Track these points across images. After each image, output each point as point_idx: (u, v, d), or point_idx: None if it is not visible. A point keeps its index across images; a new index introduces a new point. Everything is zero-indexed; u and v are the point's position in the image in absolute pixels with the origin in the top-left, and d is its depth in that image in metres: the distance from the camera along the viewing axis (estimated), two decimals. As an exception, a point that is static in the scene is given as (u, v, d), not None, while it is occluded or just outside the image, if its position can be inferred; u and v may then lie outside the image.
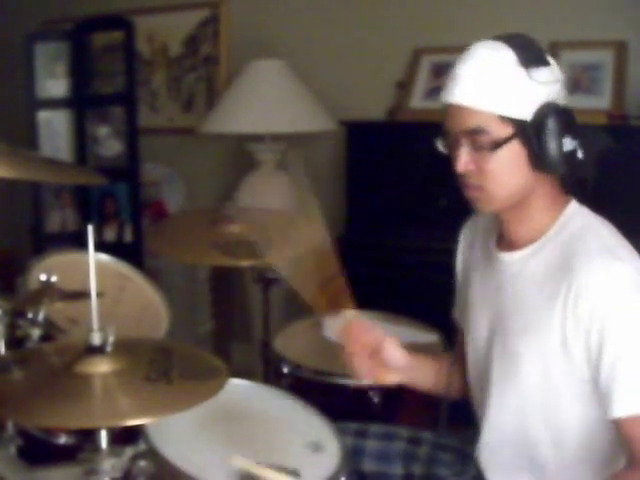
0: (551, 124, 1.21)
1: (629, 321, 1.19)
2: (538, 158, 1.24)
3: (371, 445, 1.57)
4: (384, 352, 1.41)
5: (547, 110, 1.22)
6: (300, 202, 1.41)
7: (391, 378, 1.45)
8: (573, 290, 1.22)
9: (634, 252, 1.26)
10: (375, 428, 1.60)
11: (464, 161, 1.27)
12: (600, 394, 1.23)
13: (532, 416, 1.33)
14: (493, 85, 1.22)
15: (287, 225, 1.55)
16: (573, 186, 1.35)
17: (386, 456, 1.55)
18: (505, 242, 1.38)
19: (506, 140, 1.23)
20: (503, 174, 1.26)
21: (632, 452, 1.22)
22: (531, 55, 1.23)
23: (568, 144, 1.23)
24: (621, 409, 1.20)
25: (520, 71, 1.22)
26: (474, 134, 1.25)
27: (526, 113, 1.22)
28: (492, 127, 1.23)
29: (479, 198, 1.31)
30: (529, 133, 1.22)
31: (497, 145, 1.23)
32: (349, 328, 1.43)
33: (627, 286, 1.20)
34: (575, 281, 1.21)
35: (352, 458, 1.52)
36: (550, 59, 1.27)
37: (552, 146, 1.22)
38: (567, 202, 1.33)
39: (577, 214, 1.32)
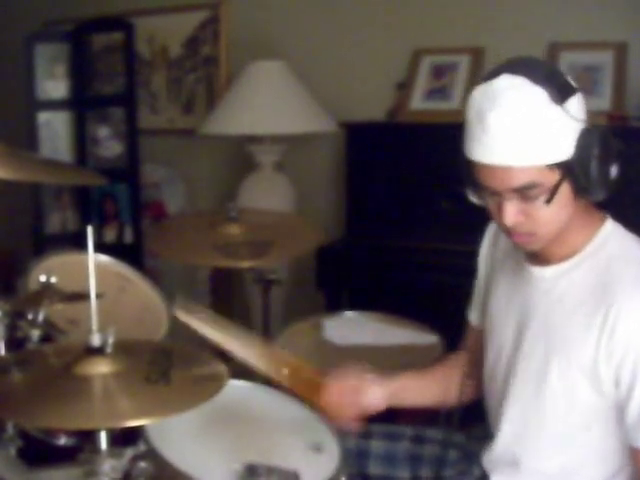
0: (595, 152, 1.16)
1: None
2: (585, 189, 1.19)
3: (376, 446, 1.56)
4: (363, 400, 1.44)
5: (583, 140, 1.16)
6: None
7: (376, 407, 1.47)
8: (611, 317, 1.19)
9: None
10: (378, 428, 1.59)
11: (513, 214, 1.21)
12: (627, 423, 1.22)
13: (550, 434, 1.32)
14: (536, 136, 1.14)
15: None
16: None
17: (392, 458, 1.54)
18: (538, 257, 1.34)
19: (558, 186, 1.18)
20: (556, 216, 1.22)
21: None
22: (560, 87, 1.16)
23: (614, 170, 1.20)
24: None
25: (556, 110, 1.14)
26: (524, 189, 1.18)
27: (569, 151, 1.16)
28: (543, 179, 1.17)
29: (529, 242, 1.27)
30: (576, 169, 1.17)
31: (552, 195, 1.18)
32: (330, 394, 1.45)
33: None
34: (614, 308, 1.19)
35: (357, 460, 1.52)
36: (573, 82, 1.21)
37: (599, 174, 1.17)
38: (602, 220, 1.30)
39: (614, 234, 1.28)
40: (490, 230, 1.53)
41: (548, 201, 1.18)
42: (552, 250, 1.29)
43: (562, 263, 1.29)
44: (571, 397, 1.27)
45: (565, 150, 1.16)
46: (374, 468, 1.54)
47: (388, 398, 1.48)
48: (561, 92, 1.15)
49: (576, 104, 1.18)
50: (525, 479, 1.38)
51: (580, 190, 1.20)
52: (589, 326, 1.22)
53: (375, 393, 1.47)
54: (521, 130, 1.14)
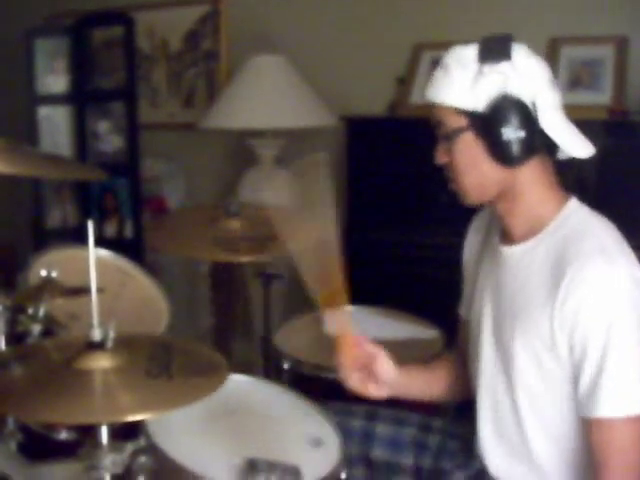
0: (499, 116, 1.24)
1: (613, 327, 1.18)
2: (491, 149, 1.27)
3: (382, 430, 1.56)
4: (375, 367, 1.43)
5: (497, 102, 1.24)
6: (315, 200, 1.44)
7: (380, 392, 1.45)
8: (562, 290, 1.22)
9: (631, 256, 1.25)
10: (385, 412, 1.59)
11: (440, 153, 1.35)
12: (580, 392, 1.23)
13: (525, 411, 1.33)
14: (448, 80, 1.28)
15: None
16: (575, 183, 1.35)
17: (397, 443, 1.54)
18: (507, 236, 1.38)
19: (456, 131, 1.29)
20: (463, 165, 1.32)
21: (597, 457, 1.23)
22: (492, 50, 1.25)
23: (510, 134, 1.24)
24: (600, 410, 1.20)
25: (475, 65, 1.26)
26: (437, 127, 1.33)
27: (479, 105, 1.25)
28: (447, 119, 1.30)
29: (456, 190, 1.36)
30: (480, 124, 1.26)
31: (449, 136, 1.30)
32: (343, 340, 1.44)
33: (615, 291, 1.20)
34: (564, 281, 1.22)
35: (362, 442, 1.53)
36: (518, 54, 1.25)
37: (500, 137, 1.24)
38: (567, 199, 1.33)
39: (576, 212, 1.31)
40: (473, 222, 1.56)
41: (447, 140, 1.31)
42: (516, 227, 1.35)
43: (527, 241, 1.33)
44: (538, 375, 1.28)
45: (474, 103, 1.26)
46: (378, 452, 1.53)
47: (396, 384, 1.47)
48: (489, 54, 1.25)
49: (501, 69, 1.24)
50: (516, 462, 1.38)
51: (489, 149, 1.27)
52: (547, 300, 1.25)
53: (388, 366, 1.44)
54: (441, 72, 1.30)
